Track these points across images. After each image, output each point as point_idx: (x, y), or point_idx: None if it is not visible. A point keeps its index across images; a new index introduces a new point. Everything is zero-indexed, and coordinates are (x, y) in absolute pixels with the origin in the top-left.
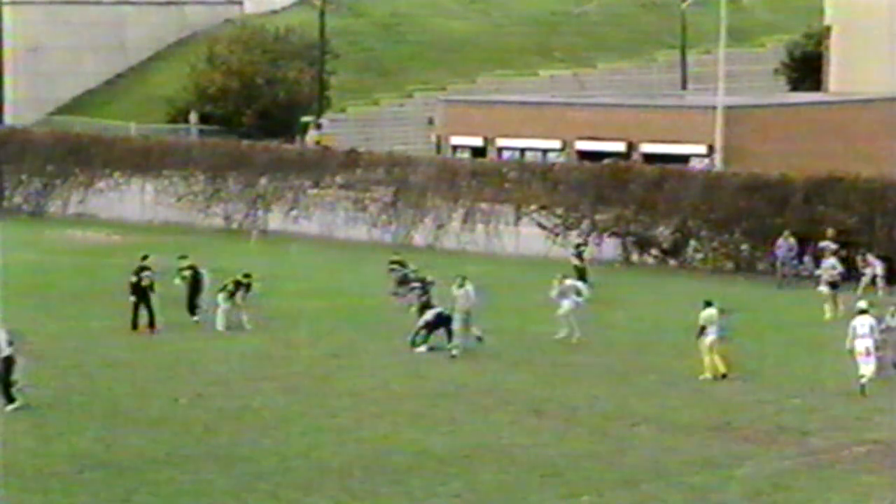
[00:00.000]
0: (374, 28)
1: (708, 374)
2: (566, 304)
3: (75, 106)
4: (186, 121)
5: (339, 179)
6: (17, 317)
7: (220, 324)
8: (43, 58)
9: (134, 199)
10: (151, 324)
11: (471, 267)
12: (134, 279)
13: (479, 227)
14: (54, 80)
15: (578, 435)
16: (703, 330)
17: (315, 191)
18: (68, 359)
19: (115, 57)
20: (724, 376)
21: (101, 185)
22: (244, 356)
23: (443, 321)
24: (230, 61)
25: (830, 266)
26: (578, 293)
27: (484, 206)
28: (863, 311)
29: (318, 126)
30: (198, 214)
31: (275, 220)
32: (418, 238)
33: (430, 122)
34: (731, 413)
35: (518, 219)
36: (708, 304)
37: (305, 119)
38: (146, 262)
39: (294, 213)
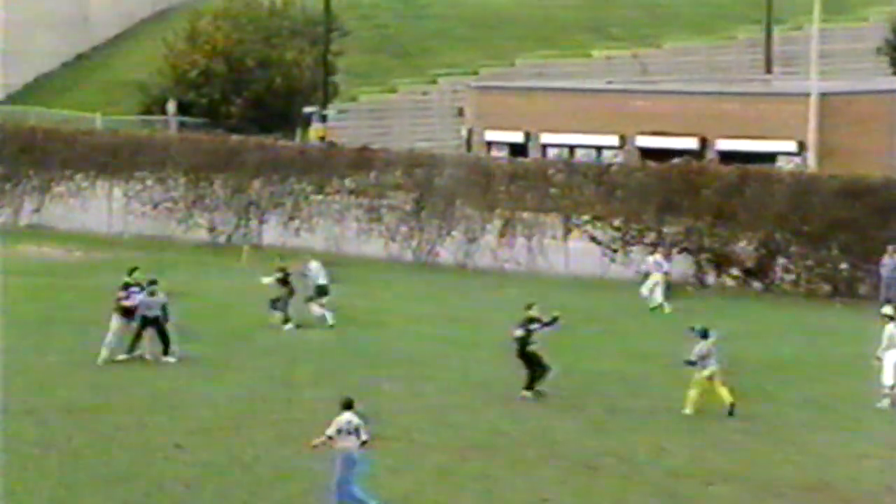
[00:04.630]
0: (390, 0)
1: (689, 410)
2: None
3: (27, 93)
4: (163, 111)
5: (348, 183)
6: None
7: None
8: None
9: (99, 207)
10: (165, 352)
11: (510, 289)
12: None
13: (520, 241)
14: (3, 63)
15: (641, 495)
16: (700, 360)
17: (319, 197)
18: (20, 402)
19: (75, 34)
20: (733, 406)
21: (59, 189)
22: (234, 399)
23: None
24: (215, 39)
25: None
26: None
27: (525, 215)
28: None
29: (323, 118)
30: (177, 226)
31: (271, 232)
32: (445, 254)
33: (460, 113)
34: (827, 469)
35: (567, 231)
36: (705, 333)
37: (307, 110)
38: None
39: (294, 223)
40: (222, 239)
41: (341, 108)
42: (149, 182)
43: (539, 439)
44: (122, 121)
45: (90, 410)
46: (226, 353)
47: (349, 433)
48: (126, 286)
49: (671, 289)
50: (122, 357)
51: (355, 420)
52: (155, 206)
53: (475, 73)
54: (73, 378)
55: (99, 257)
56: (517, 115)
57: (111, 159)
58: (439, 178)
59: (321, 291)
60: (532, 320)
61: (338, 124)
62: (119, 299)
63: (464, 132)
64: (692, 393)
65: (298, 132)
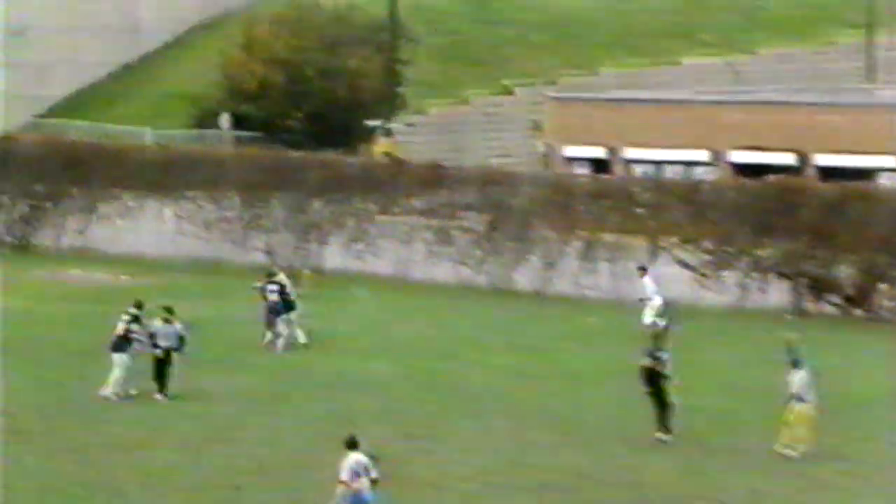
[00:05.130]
0: (462, 4)
1: (793, 449)
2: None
3: (73, 106)
4: (216, 125)
5: (416, 203)
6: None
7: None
8: (31, 43)
9: (149, 229)
10: (161, 390)
11: (591, 318)
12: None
13: (603, 265)
14: (46, 73)
15: None
16: (799, 393)
17: (385, 217)
18: (62, 438)
19: (124, 42)
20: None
21: (105, 209)
22: (293, 435)
23: None
24: (273, 48)
25: None
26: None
27: (608, 238)
28: None
29: (389, 133)
30: (232, 248)
31: (333, 255)
32: (522, 280)
33: (537, 126)
34: None
35: (654, 255)
36: (796, 362)
37: (372, 123)
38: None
39: (358, 246)
40: (281, 262)
41: (409, 121)
42: (201, 201)
43: (625, 481)
44: (173, 135)
45: (138, 447)
46: (284, 385)
47: (359, 474)
48: (134, 320)
49: (669, 310)
50: (154, 397)
51: (364, 459)
52: (208, 228)
53: (554, 83)
54: (119, 412)
55: (148, 282)
56: (600, 129)
57: (161, 177)
58: (515, 197)
59: (289, 307)
60: (659, 348)
61: (405, 139)
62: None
63: (541, 147)
64: (793, 430)
65: (362, 148)
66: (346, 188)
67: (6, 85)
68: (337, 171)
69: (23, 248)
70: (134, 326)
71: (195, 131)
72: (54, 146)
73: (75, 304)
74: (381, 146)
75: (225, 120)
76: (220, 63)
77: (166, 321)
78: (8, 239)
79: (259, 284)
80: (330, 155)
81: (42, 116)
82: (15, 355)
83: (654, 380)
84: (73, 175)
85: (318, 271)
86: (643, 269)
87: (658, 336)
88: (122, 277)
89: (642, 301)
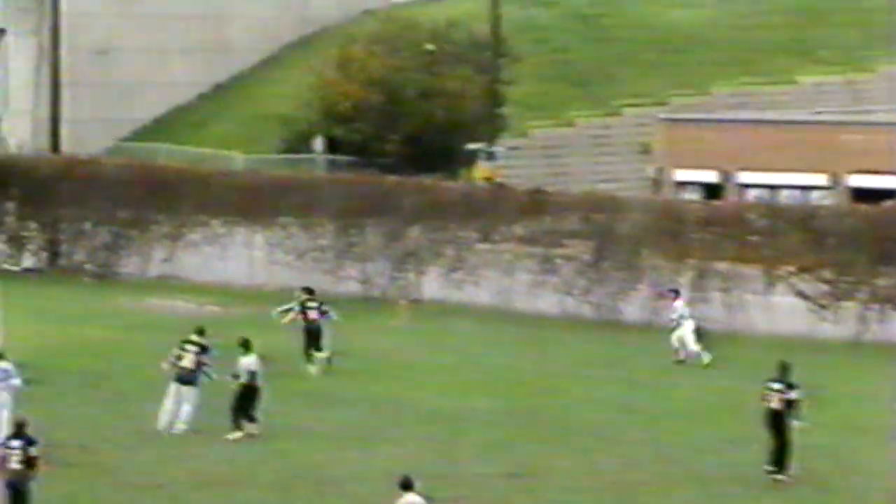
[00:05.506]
0: (568, 21)
1: None
2: None
3: (160, 128)
4: (310, 149)
5: (518, 230)
6: (74, 414)
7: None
8: (115, 63)
9: (238, 257)
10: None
11: (706, 352)
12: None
13: (716, 295)
14: (131, 94)
15: None
16: None
17: (486, 245)
18: (145, 473)
19: (214, 62)
20: None
21: (193, 236)
22: (390, 473)
23: None
24: (370, 68)
25: None
26: None
27: (721, 266)
28: None
29: (490, 156)
30: (325, 277)
31: (431, 285)
32: (630, 310)
33: (645, 149)
34: None
35: (770, 284)
36: None
37: (472, 146)
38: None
39: (457, 275)
40: (376, 292)
41: (511, 144)
42: (293, 228)
43: None
44: (264, 159)
45: (225, 484)
46: (380, 420)
47: None
48: (187, 345)
49: (703, 336)
50: (233, 436)
51: (419, 500)
52: (300, 256)
53: (664, 104)
54: (205, 448)
55: (238, 312)
56: (712, 152)
57: (251, 203)
58: (622, 223)
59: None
60: (790, 386)
61: (507, 163)
62: (176, 360)
63: (650, 171)
64: None
65: (462, 172)
66: (444, 215)
67: (90, 106)
68: (435, 196)
69: (105, 276)
70: (205, 357)
71: (287, 155)
72: (140, 170)
73: (159, 335)
74: (481, 170)
75: (318, 143)
76: (313, 84)
77: (245, 352)
78: (90, 267)
79: (292, 306)
80: (428, 180)
81: (127, 139)
82: (95, 387)
83: (778, 422)
84: (159, 200)
85: (415, 302)
86: (675, 292)
87: (785, 368)
88: (209, 307)
89: (673, 321)
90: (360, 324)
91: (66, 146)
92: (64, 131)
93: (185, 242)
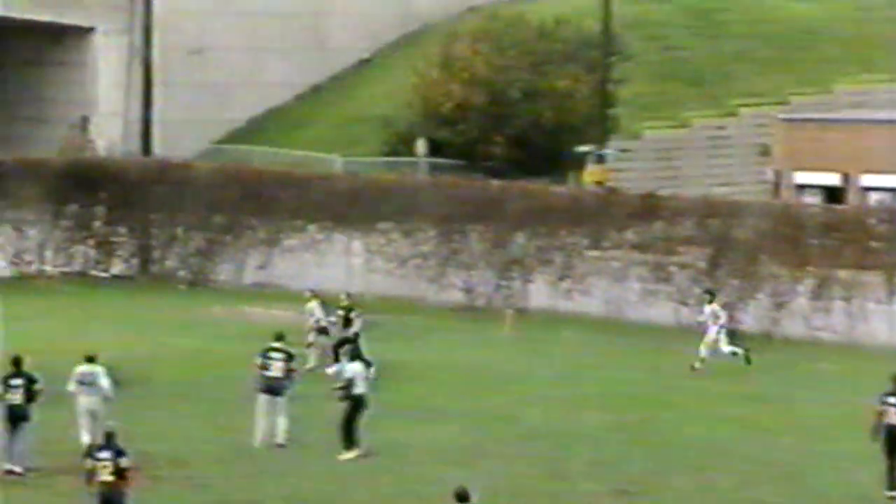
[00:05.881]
0: (683, 16)
1: None
2: None
3: (254, 130)
4: (411, 151)
5: (630, 236)
6: (165, 426)
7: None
8: (209, 63)
9: (337, 264)
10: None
11: (824, 364)
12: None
13: (837, 304)
14: (225, 94)
15: None
16: None
17: (596, 252)
18: (240, 490)
19: (310, 60)
20: None
21: (290, 242)
22: (491, 491)
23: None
24: (474, 67)
25: None
26: None
27: (843, 274)
28: None
29: (600, 159)
30: (428, 285)
31: (538, 294)
32: (748, 320)
33: (764, 151)
34: None
35: (893, 293)
36: None
37: (582, 149)
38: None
39: (565, 284)
40: (480, 301)
41: (622, 146)
42: (394, 235)
43: None
44: (364, 162)
45: (324, 503)
46: (482, 436)
47: None
48: (272, 353)
49: (736, 337)
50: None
51: None
52: (401, 263)
53: (783, 103)
54: (301, 464)
55: (335, 321)
56: (834, 153)
57: (350, 208)
58: (739, 229)
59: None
60: None
61: (618, 166)
62: (263, 370)
63: (769, 174)
64: None
65: (570, 176)
66: (552, 220)
67: (183, 107)
68: (542, 201)
69: (199, 284)
70: (293, 364)
71: (388, 158)
72: (234, 174)
73: (254, 344)
74: (591, 174)
75: (420, 146)
76: (416, 84)
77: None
78: (183, 274)
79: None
80: (534, 184)
81: (220, 142)
82: (188, 398)
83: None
84: (254, 205)
85: (521, 311)
86: (710, 294)
87: None
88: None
89: (700, 325)
90: (464, 335)
91: (157, 149)
92: (155, 133)
93: (281, 249)
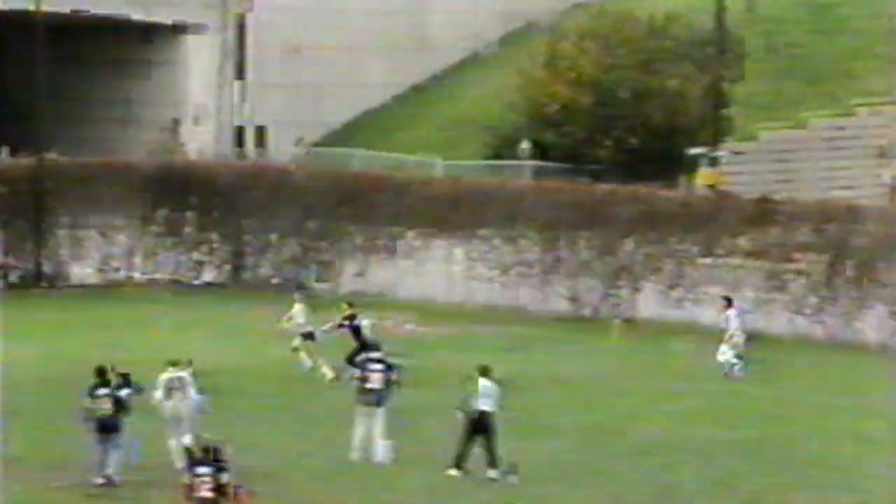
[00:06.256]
0: (800, 12)
1: None
2: None
3: (352, 132)
4: (515, 155)
5: (744, 242)
6: (259, 439)
7: None
8: (306, 63)
9: (437, 271)
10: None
11: None
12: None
13: None
14: (322, 96)
15: None
16: None
17: (708, 260)
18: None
19: (412, 61)
20: None
21: (387, 249)
22: None
23: None
24: (581, 66)
25: None
26: None
27: None
28: None
29: (713, 162)
30: (532, 294)
31: (647, 303)
32: (869, 331)
33: (883, 153)
34: None
35: None
36: None
37: (694, 151)
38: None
39: (676, 292)
40: (587, 311)
41: (736, 148)
42: (496, 241)
43: None
44: (466, 166)
45: None
46: (590, 451)
47: None
48: (371, 364)
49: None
50: (453, 472)
51: None
52: (504, 271)
53: None
54: (403, 478)
55: (436, 332)
56: None
57: (451, 213)
58: (859, 235)
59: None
60: None
61: (732, 168)
62: (361, 381)
63: (888, 177)
64: None
65: (682, 180)
66: (662, 226)
67: (278, 109)
68: (652, 206)
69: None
70: (393, 374)
71: (491, 162)
72: (330, 178)
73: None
74: (703, 177)
75: (525, 148)
76: (520, 84)
77: (484, 374)
78: (277, 281)
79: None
80: (644, 188)
81: (316, 145)
82: (287, 410)
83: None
84: (350, 211)
85: (630, 321)
86: (728, 301)
87: None
88: (406, 326)
89: (723, 333)
90: (570, 345)
91: (251, 152)
92: (249, 135)
93: (378, 256)
